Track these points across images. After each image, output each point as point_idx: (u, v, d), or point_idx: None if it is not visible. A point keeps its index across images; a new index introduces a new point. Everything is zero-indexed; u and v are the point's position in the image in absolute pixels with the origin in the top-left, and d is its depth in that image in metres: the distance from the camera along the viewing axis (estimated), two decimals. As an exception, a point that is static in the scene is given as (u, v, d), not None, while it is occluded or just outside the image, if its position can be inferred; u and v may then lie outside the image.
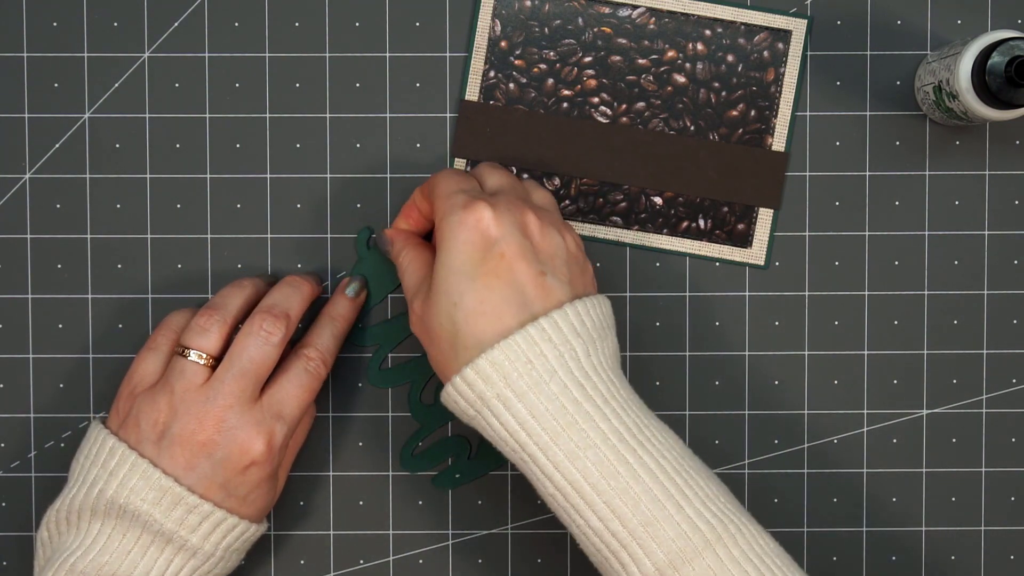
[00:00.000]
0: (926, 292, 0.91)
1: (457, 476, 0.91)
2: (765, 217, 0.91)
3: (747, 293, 0.91)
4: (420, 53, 0.91)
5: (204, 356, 0.84)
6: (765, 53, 0.90)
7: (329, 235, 0.91)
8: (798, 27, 0.90)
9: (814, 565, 0.92)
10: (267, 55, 0.91)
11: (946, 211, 0.91)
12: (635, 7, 0.90)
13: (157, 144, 0.91)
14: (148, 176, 0.91)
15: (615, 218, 0.91)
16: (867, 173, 0.91)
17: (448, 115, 0.91)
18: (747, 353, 0.92)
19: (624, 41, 0.90)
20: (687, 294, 0.91)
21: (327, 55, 0.91)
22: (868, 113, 0.91)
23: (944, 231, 0.91)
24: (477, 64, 0.90)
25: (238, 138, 0.91)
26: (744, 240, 0.91)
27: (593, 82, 0.90)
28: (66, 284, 0.91)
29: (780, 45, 0.90)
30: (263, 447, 0.83)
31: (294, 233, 0.91)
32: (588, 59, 0.90)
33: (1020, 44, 0.81)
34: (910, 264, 0.91)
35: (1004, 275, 0.91)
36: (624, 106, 0.90)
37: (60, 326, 0.91)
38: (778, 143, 0.91)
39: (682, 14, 0.90)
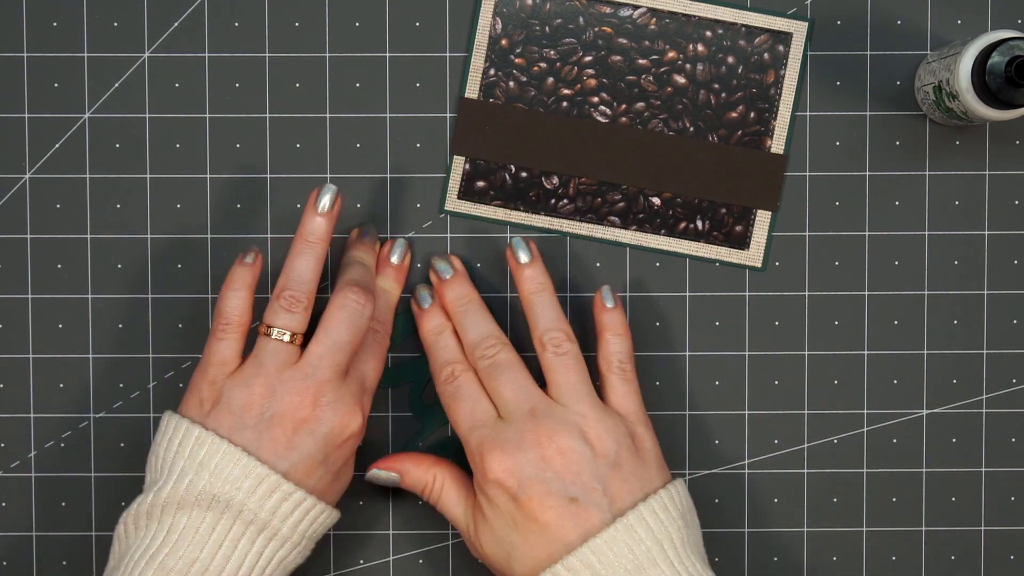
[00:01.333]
0: (926, 292, 0.91)
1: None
2: (763, 219, 0.91)
3: (747, 293, 0.91)
4: (420, 53, 0.91)
5: (291, 334, 0.84)
6: (765, 55, 0.90)
7: (329, 235, 0.91)
8: (799, 30, 0.90)
9: (814, 565, 0.92)
10: (267, 55, 0.91)
11: (946, 211, 0.91)
12: (636, 7, 0.90)
13: (157, 144, 0.91)
14: (148, 176, 0.91)
15: (613, 218, 0.91)
16: (867, 173, 0.91)
17: (448, 115, 0.91)
18: (747, 353, 0.92)
19: (625, 41, 0.90)
20: (687, 294, 0.91)
21: (327, 55, 0.91)
22: (868, 113, 0.91)
23: (944, 231, 0.91)
24: (477, 62, 0.90)
25: (238, 138, 0.91)
26: (742, 242, 0.91)
27: (593, 81, 0.90)
28: (66, 284, 0.91)
29: (781, 48, 0.90)
30: (361, 419, 0.84)
31: (294, 233, 0.91)
32: (588, 58, 0.90)
33: (1020, 44, 0.81)
34: (910, 264, 0.91)
35: (1004, 275, 0.91)
36: (624, 106, 0.90)
37: (60, 326, 0.91)
38: (777, 146, 0.91)
39: (683, 15, 0.90)
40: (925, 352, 0.91)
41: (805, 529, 0.92)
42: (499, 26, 0.90)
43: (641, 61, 0.90)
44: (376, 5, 0.91)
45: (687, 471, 0.92)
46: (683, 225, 0.91)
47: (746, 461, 0.92)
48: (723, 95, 0.90)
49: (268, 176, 0.91)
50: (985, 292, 0.91)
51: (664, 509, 0.82)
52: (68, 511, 0.91)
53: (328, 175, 0.91)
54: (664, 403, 0.92)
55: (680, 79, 0.91)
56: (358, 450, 0.91)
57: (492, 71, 0.90)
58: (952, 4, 0.91)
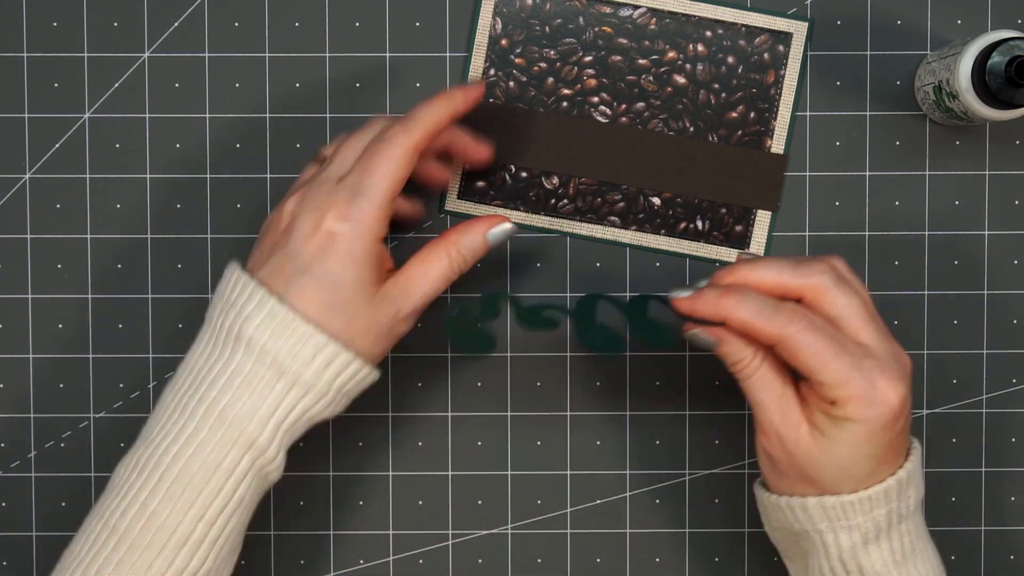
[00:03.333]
0: (926, 292, 0.91)
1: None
2: (763, 219, 0.91)
3: (747, 293, 0.91)
4: (420, 53, 0.91)
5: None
6: (765, 55, 0.90)
7: (329, 235, 0.91)
8: (799, 30, 0.90)
9: (814, 565, 0.92)
10: (267, 55, 0.91)
11: (946, 211, 0.91)
12: (636, 7, 0.90)
13: (157, 144, 0.91)
14: (148, 176, 0.91)
15: (613, 218, 0.91)
16: (867, 173, 0.91)
17: (448, 115, 0.91)
18: (747, 353, 0.91)
19: (625, 41, 0.90)
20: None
21: (327, 55, 0.91)
22: (868, 113, 0.91)
23: (944, 231, 0.91)
24: (477, 62, 0.90)
25: (238, 138, 0.91)
26: (742, 242, 0.91)
27: (593, 81, 0.90)
28: (66, 284, 0.91)
29: (780, 48, 0.90)
30: (347, 224, 0.79)
31: (294, 233, 0.91)
32: (588, 58, 0.90)
33: (1020, 44, 0.81)
34: (910, 264, 0.91)
35: (1004, 275, 0.91)
36: (624, 106, 0.90)
37: (60, 326, 0.91)
38: (777, 146, 0.91)
39: (683, 15, 0.90)
40: (925, 352, 0.91)
41: (805, 529, 0.92)
42: (499, 26, 0.90)
43: (641, 61, 0.90)
44: (376, 5, 0.91)
45: (687, 471, 0.92)
46: (683, 225, 0.91)
47: (746, 461, 0.92)
48: (723, 95, 0.90)
49: (268, 176, 0.91)
50: (985, 292, 0.91)
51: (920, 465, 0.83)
52: (68, 511, 0.91)
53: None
54: (664, 403, 0.92)
55: (680, 79, 0.91)
56: (359, 450, 0.91)
57: (492, 71, 0.90)
58: (952, 4, 0.91)
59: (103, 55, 0.91)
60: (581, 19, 0.90)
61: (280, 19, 0.91)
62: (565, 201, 0.91)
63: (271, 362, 0.79)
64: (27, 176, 0.91)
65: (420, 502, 0.92)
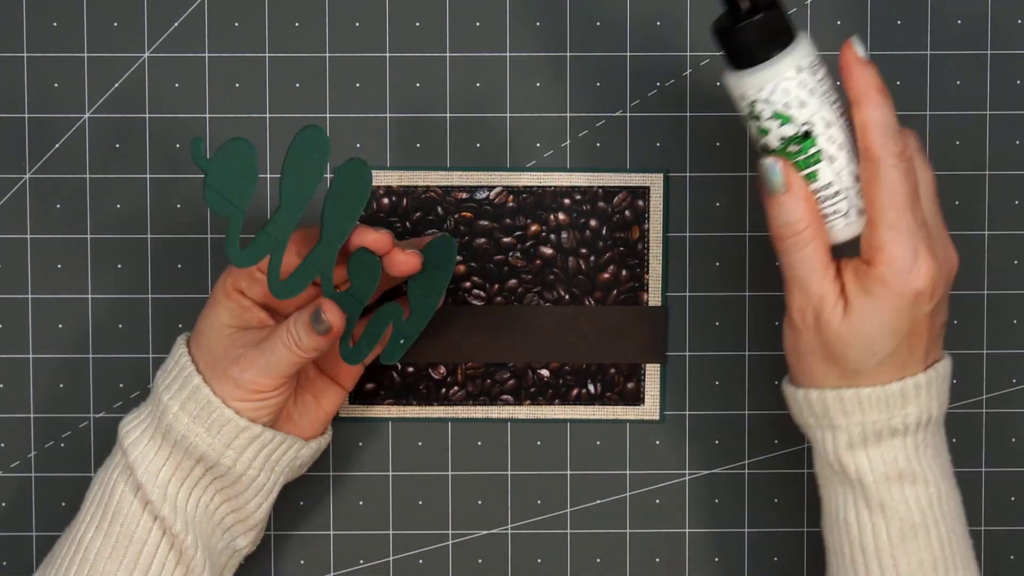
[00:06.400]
0: (926, 292, 0.91)
1: (401, 342, 0.85)
2: (653, 373, 0.91)
3: (747, 294, 0.91)
4: (420, 53, 0.91)
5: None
6: (627, 212, 0.91)
7: (329, 235, 0.91)
8: (655, 183, 0.90)
9: (813, 565, 0.92)
10: (267, 55, 0.91)
11: (946, 211, 0.91)
12: (491, 188, 0.90)
13: (157, 144, 0.91)
14: (148, 176, 0.91)
15: (506, 396, 0.91)
16: (867, 173, 0.91)
17: (448, 115, 0.91)
18: (747, 353, 0.91)
19: (487, 222, 0.90)
20: (687, 295, 0.91)
21: (327, 55, 0.91)
22: (868, 113, 0.91)
23: (944, 231, 0.91)
24: None
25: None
26: (636, 399, 0.91)
27: (462, 267, 0.91)
28: (66, 284, 0.91)
29: (640, 203, 0.90)
30: (220, 305, 0.83)
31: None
32: None
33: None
34: (910, 264, 0.91)
35: (1004, 275, 0.91)
36: (496, 285, 0.91)
37: (60, 326, 0.91)
38: (653, 298, 0.91)
39: (538, 187, 0.90)
40: (925, 352, 0.91)
41: (805, 529, 0.92)
42: None
43: (506, 239, 0.91)
44: (376, 5, 0.91)
45: (687, 471, 0.92)
46: (576, 392, 0.91)
47: (746, 461, 0.92)
48: (592, 259, 0.91)
49: (268, 176, 0.91)
50: (985, 292, 0.91)
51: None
52: (68, 511, 0.91)
53: (328, 175, 0.91)
54: (664, 403, 0.92)
55: (547, 250, 0.91)
56: (359, 450, 0.91)
57: None
58: (952, 4, 0.91)
59: (103, 55, 0.91)
60: (440, 209, 0.90)
61: (280, 19, 0.91)
62: (456, 388, 0.91)
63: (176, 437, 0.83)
64: (27, 176, 0.91)
65: (420, 502, 0.92)
